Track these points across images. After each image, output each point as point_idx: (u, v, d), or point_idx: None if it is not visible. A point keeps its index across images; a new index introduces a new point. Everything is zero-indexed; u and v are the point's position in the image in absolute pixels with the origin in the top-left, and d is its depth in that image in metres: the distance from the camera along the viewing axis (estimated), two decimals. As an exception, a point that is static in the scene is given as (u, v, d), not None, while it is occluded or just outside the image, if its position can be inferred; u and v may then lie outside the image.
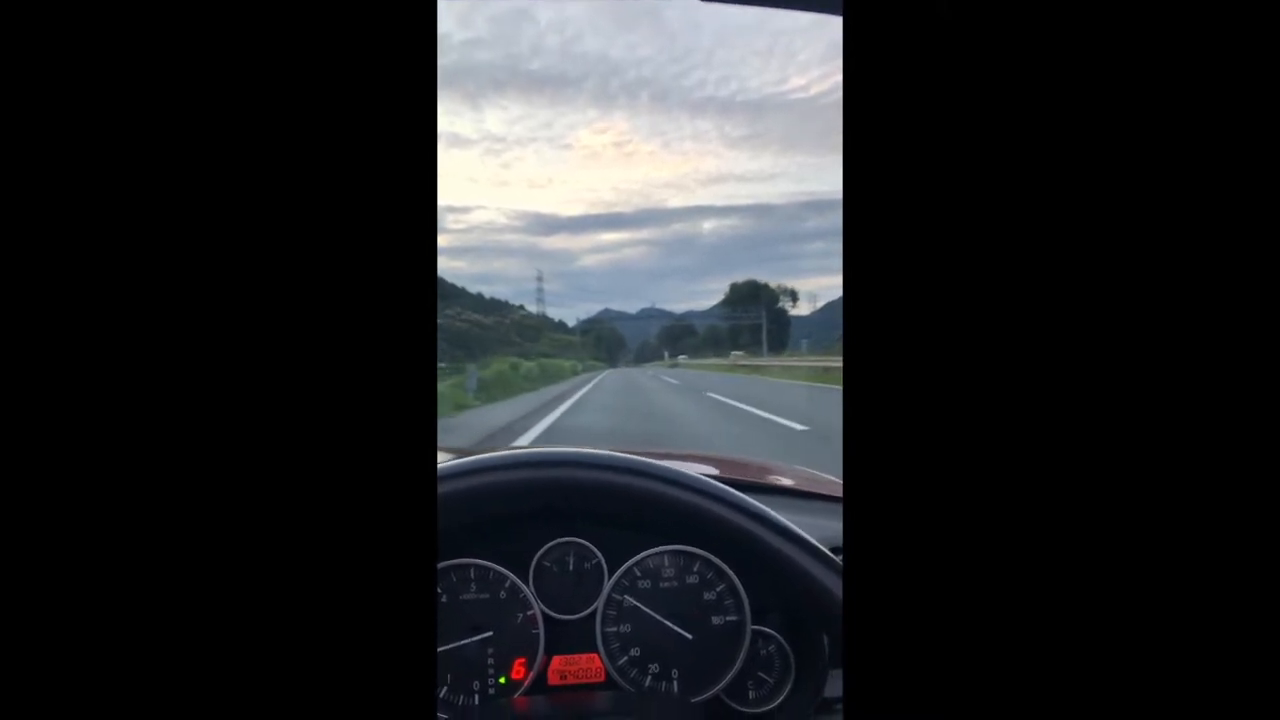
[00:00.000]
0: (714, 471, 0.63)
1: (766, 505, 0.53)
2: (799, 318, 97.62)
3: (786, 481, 0.90)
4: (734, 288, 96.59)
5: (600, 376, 32.76)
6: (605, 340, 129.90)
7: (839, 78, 0.30)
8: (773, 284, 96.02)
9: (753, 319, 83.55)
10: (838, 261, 0.30)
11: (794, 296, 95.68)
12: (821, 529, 0.55)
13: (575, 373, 39.54)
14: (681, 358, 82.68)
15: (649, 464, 0.53)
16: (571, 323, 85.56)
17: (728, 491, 0.53)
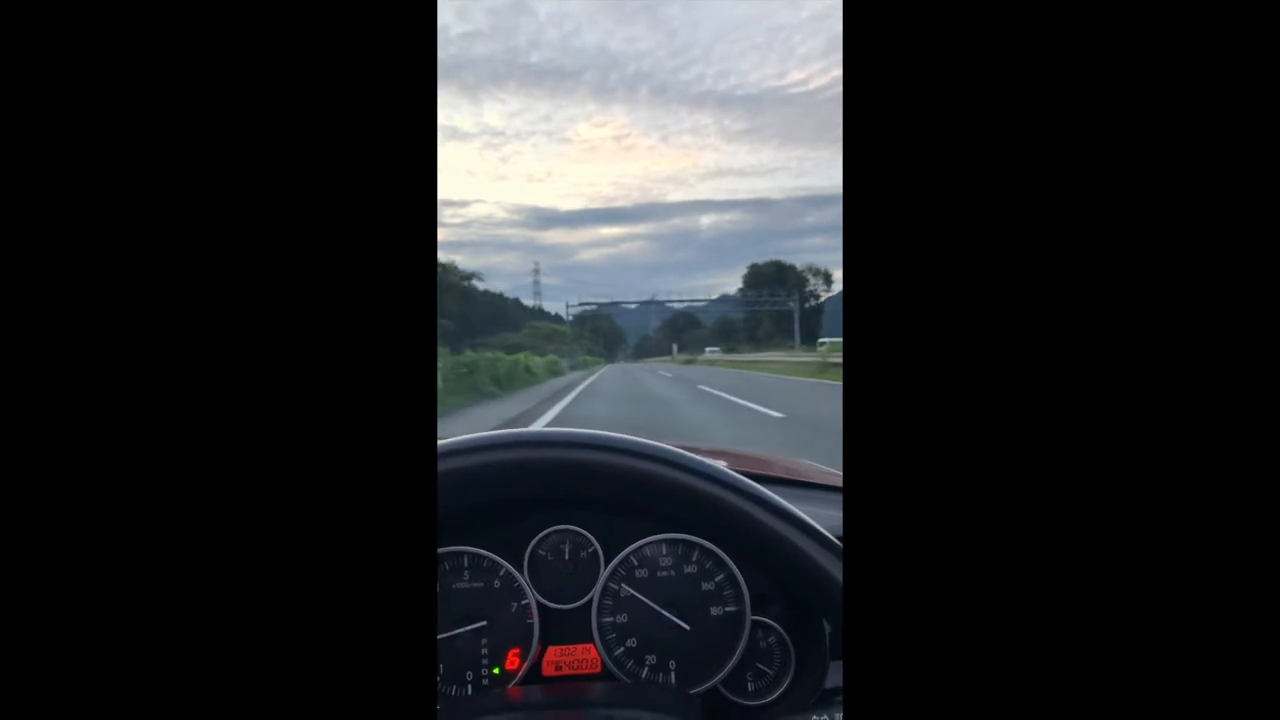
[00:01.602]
0: (715, 461, 0.62)
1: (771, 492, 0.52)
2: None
3: (794, 474, 0.86)
4: (754, 270, 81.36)
5: (595, 376, 22.06)
6: (603, 332, 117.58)
7: (838, 72, 0.29)
8: (799, 265, 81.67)
9: (778, 305, 69.23)
10: (837, 256, 0.29)
11: (828, 279, 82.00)
12: (829, 519, 0.54)
13: (555, 372, 27.17)
14: (711, 350, 62.95)
15: (647, 444, 0.51)
16: (565, 313, 70.70)
17: (729, 474, 0.51)
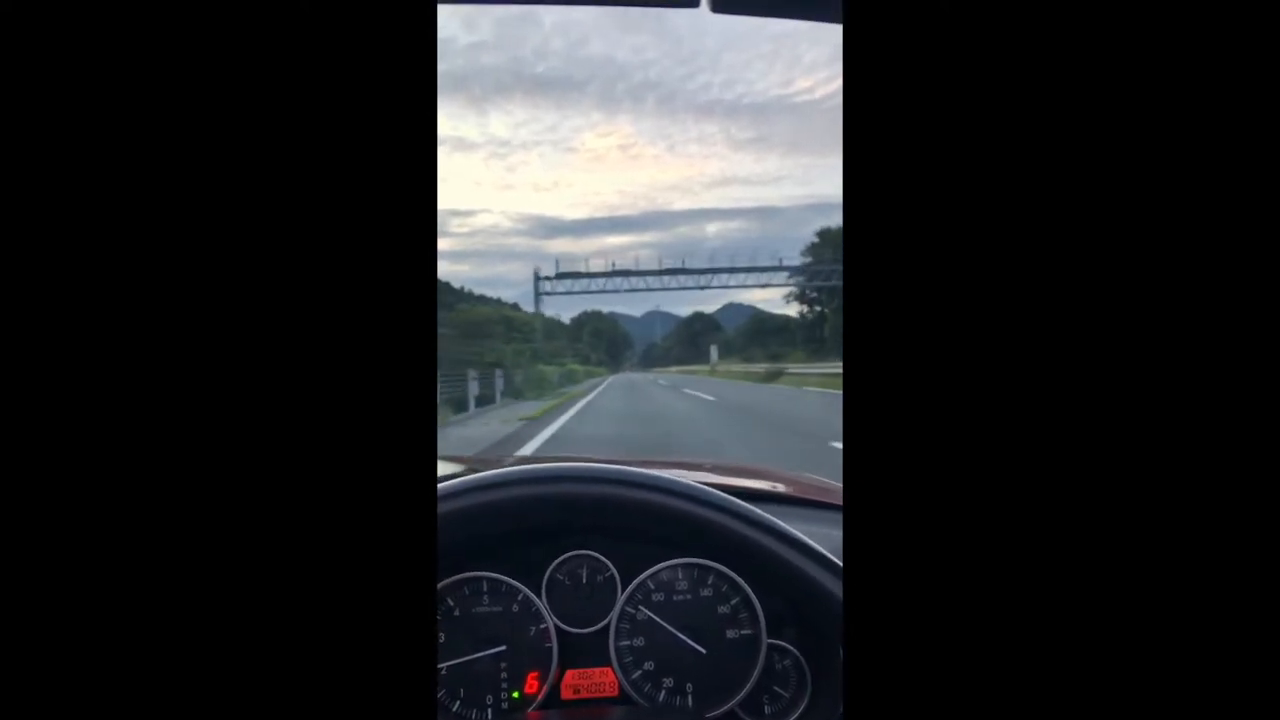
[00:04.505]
0: (722, 480, 0.64)
1: (776, 515, 0.54)
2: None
3: (795, 490, 0.87)
4: (827, 237, 56.43)
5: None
6: (605, 335, 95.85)
7: (844, 80, 0.30)
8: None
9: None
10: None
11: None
12: (834, 540, 0.55)
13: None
14: None
15: (660, 478, 0.53)
16: (534, 296, 42.03)
17: (740, 505, 0.53)
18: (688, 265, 39.51)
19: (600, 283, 39.76)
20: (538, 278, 39.57)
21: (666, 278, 39.50)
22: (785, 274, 41.42)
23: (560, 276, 40.10)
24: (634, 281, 39.94)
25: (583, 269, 39.72)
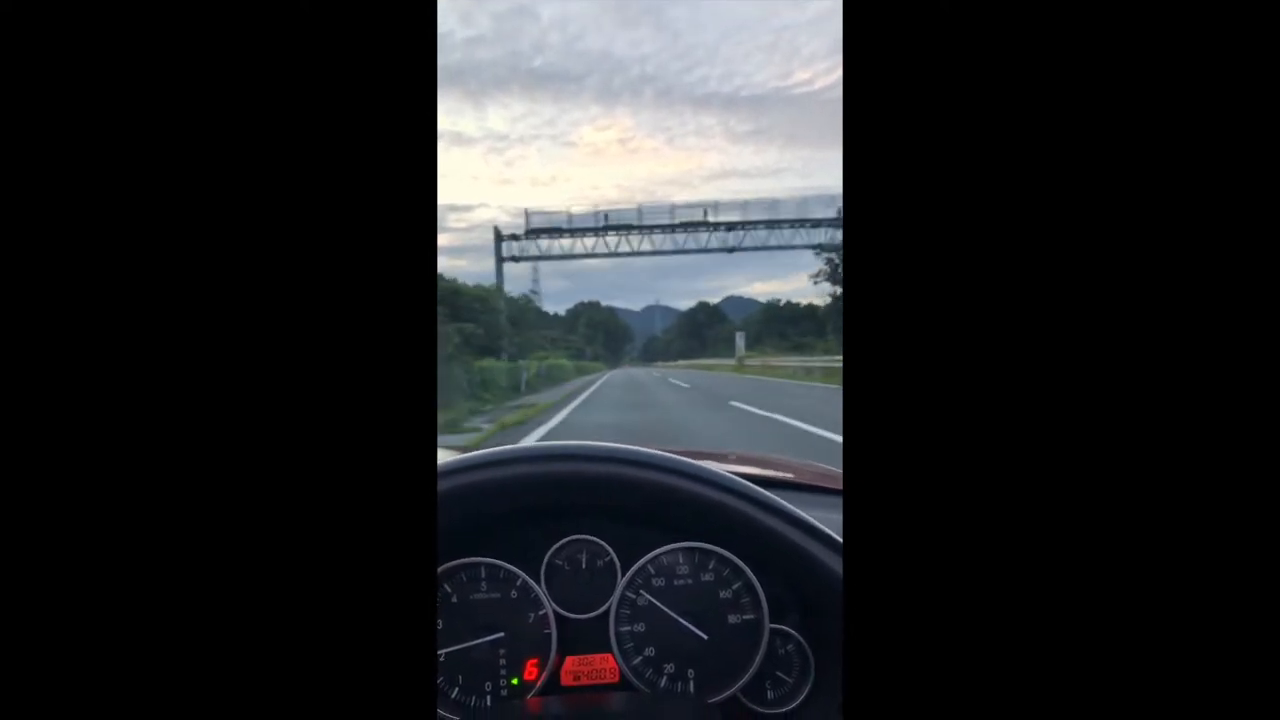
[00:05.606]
0: (727, 467, 0.66)
1: (783, 500, 0.53)
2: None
3: (800, 476, 0.86)
4: None
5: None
6: (602, 327, 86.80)
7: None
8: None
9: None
10: (847, 255, 0.29)
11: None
12: (838, 524, 0.53)
13: None
14: None
15: (663, 456, 0.53)
16: (497, 255, 28.27)
17: (745, 485, 0.52)
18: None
19: (589, 244, 28.56)
20: (499, 237, 27.71)
21: (680, 236, 28.29)
22: (835, 225, 30.97)
23: (533, 234, 28.05)
24: (636, 243, 28.63)
25: (564, 224, 27.92)
